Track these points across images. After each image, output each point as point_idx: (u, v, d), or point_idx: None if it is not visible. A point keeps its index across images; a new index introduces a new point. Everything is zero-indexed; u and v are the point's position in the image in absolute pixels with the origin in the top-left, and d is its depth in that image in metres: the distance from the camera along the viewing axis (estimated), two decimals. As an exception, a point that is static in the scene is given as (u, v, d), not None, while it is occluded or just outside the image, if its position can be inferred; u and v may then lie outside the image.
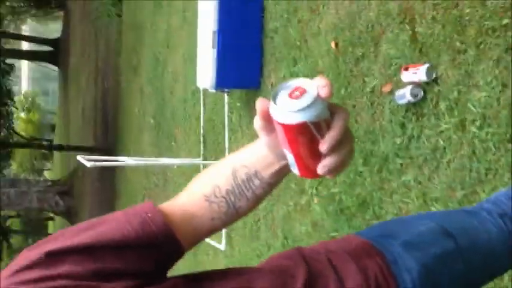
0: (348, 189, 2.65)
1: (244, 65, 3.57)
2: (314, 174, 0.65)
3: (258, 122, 0.67)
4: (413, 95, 2.16)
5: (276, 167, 0.72)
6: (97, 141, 10.26)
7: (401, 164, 2.30)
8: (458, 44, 1.99)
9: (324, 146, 0.62)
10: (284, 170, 0.73)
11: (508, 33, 1.79)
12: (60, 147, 11.79)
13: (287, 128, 0.61)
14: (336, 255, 0.89)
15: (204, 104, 4.47)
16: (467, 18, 1.95)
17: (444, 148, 2.09)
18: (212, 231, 0.78)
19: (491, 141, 1.88)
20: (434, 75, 2.10)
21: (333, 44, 2.70)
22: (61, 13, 23.20)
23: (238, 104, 3.89)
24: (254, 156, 0.73)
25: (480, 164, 1.93)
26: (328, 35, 2.73)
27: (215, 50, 3.49)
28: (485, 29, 1.87)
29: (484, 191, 1.90)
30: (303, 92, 0.60)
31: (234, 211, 0.76)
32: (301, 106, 0.59)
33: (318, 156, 0.63)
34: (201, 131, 4.52)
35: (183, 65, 5.20)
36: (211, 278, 0.78)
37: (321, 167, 0.64)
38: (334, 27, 2.69)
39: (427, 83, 2.13)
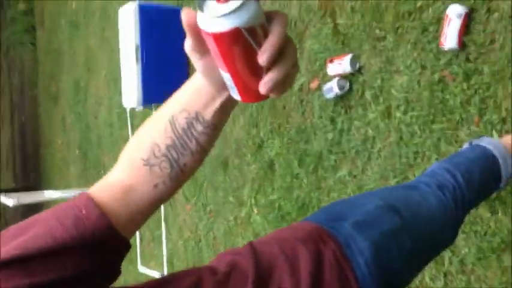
0: (286, 194, 2.71)
1: (170, 77, 3.59)
2: (256, 96, 0.61)
3: (187, 43, 0.60)
4: (340, 87, 2.27)
5: (217, 102, 0.67)
6: (17, 181, 9.88)
7: (335, 160, 2.40)
8: (377, 31, 2.13)
9: (262, 57, 0.56)
10: (227, 105, 0.68)
11: (423, 15, 1.94)
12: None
13: (218, 38, 0.55)
14: (288, 244, 0.88)
15: (131, 125, 4.44)
16: (383, 5, 2.09)
17: (373, 138, 2.20)
18: (156, 202, 0.71)
19: (416, 124, 2.00)
20: (358, 65, 2.22)
21: (257, 45, 2.79)
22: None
23: (167, 121, 3.89)
24: (192, 95, 0.67)
25: (408, 148, 2.05)
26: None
27: (139, 65, 3.51)
28: (402, 13, 2.02)
29: (414, 175, 2.01)
30: None
31: (179, 170, 0.69)
32: (231, 9, 0.53)
33: (258, 72, 0.58)
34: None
35: (106, 87, 5.16)
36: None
37: (263, 84, 0.58)
38: (257, 28, 2.79)
39: (352, 74, 2.25)
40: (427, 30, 1.93)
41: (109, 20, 4.90)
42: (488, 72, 1.73)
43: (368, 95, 2.20)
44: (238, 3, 0.53)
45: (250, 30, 0.54)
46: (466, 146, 1.61)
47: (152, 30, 3.45)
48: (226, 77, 0.61)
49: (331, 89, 2.31)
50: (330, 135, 2.40)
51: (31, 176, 8.98)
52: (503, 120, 1.71)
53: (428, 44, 1.92)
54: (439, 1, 1.87)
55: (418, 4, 1.95)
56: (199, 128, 0.68)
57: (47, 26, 7.49)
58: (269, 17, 0.57)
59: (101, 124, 5.37)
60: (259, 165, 2.90)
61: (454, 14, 1.76)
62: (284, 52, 0.58)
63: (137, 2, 3.43)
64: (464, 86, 1.80)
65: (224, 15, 0.53)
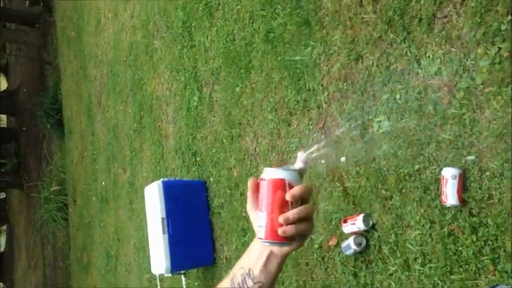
0: None
1: (196, 244, 3.66)
2: (275, 237, 0.81)
3: (249, 201, 0.86)
4: (357, 244, 2.31)
5: (263, 257, 0.84)
6: None
7: (363, 314, 2.35)
8: (384, 192, 2.23)
9: (287, 215, 0.81)
10: (270, 263, 0.84)
11: (422, 176, 2.05)
12: None
13: (270, 183, 0.82)
14: None
15: (161, 291, 4.38)
16: (385, 169, 2.22)
17: (397, 289, 2.18)
18: None
19: (435, 275, 2.00)
20: (371, 223, 2.28)
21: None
22: (4, 227, 22.71)
23: (196, 283, 3.86)
24: (247, 254, 0.86)
25: (433, 298, 2.02)
26: (270, 203, 2.93)
27: (166, 236, 3.58)
28: (403, 175, 2.13)
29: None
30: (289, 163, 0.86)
31: None
32: (283, 168, 0.83)
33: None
34: (162, 320, 4.36)
35: (135, 254, 5.18)
36: None
37: (281, 230, 0.80)
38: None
39: (367, 231, 2.30)
40: (428, 189, 2.02)
41: (136, 193, 5.09)
42: (492, 224, 1.78)
43: (385, 249, 2.23)
44: (289, 167, 0.84)
45: (290, 186, 0.82)
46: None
47: (177, 203, 3.58)
48: (262, 216, 0.83)
49: (349, 247, 2.34)
50: (354, 290, 2.38)
51: None
52: (517, 268, 1.72)
53: (432, 201, 2.00)
54: (434, 164, 1.99)
55: (416, 167, 2.07)
56: (250, 283, 0.84)
57: (78, 203, 7.72)
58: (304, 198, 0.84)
59: (131, 291, 5.30)
60: (290, 323, 2.82)
61: (449, 176, 1.86)
62: (305, 218, 0.82)
63: (161, 180, 3.61)
64: (474, 238, 1.84)
65: (279, 170, 0.83)
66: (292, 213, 0.81)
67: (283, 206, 0.81)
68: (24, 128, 12.07)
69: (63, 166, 8.67)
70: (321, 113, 2.60)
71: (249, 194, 0.85)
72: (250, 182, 0.85)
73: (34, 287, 12.00)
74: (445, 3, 1.96)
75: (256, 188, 0.84)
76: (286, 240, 0.82)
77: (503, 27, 1.75)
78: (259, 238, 0.84)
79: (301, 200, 0.82)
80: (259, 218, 0.83)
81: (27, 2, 10.47)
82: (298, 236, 0.82)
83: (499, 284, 1.61)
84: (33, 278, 12.21)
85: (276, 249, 0.84)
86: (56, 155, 9.43)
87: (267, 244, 0.84)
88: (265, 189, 0.83)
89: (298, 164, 0.85)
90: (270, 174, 0.83)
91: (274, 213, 0.82)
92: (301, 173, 0.85)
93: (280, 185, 0.81)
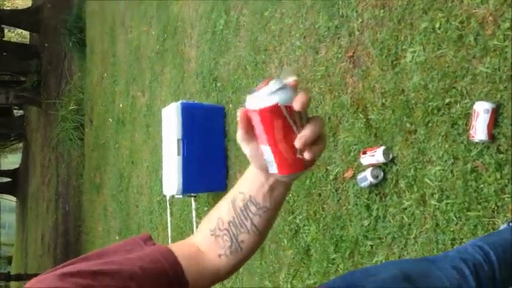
0: (322, 279, 2.64)
1: (209, 169, 3.66)
2: (290, 167, 0.70)
3: (239, 133, 0.72)
4: (374, 176, 2.27)
5: (266, 186, 0.76)
6: (58, 264, 9.84)
7: (371, 246, 2.34)
8: (408, 125, 2.16)
9: (300, 136, 0.67)
10: (274, 188, 0.76)
11: (452, 110, 1.97)
12: (18, 277, 11.16)
13: (262, 113, 0.67)
14: None
15: (171, 212, 4.45)
16: (413, 101, 2.14)
17: (409, 224, 2.16)
18: (216, 276, 0.80)
19: (451, 211, 1.97)
20: (391, 156, 2.24)
21: (294, 139, 2.84)
22: (20, 144, 23.20)
23: (205, 209, 3.91)
24: (247, 181, 0.78)
25: (445, 235, 2.00)
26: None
27: (180, 157, 3.58)
28: (431, 109, 2.05)
29: (453, 261, 1.95)
30: (273, 79, 0.67)
31: (238, 246, 0.79)
32: (271, 90, 0.66)
33: (292, 145, 0.68)
34: (169, 240, 4.45)
35: (148, 177, 5.24)
36: None
37: (298, 138, 0.67)
38: (293, 123, 2.86)
39: (385, 164, 2.26)
40: (456, 123, 1.95)
41: (154, 117, 5.09)
42: (520, 162, 1.72)
43: (402, 183, 2.19)
44: (278, 86, 0.66)
45: (288, 108, 0.67)
46: (504, 226, 1.57)
47: (194, 126, 3.56)
48: (266, 150, 0.70)
49: (365, 178, 2.31)
50: (365, 222, 2.37)
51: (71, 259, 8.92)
52: (539, 208, 1.68)
53: (458, 136, 1.94)
54: (466, 98, 1.91)
55: (446, 101, 1.99)
56: (253, 209, 0.77)
57: (95, 124, 7.78)
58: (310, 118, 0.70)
59: (141, 212, 5.40)
60: (296, 250, 2.84)
61: (482, 110, 1.79)
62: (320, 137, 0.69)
63: (180, 102, 3.57)
64: (497, 175, 1.79)
65: (267, 94, 0.66)
66: (306, 137, 0.68)
67: (287, 133, 0.68)
68: (46, 45, 12.02)
69: (82, 86, 8.68)
70: (352, 41, 2.50)
71: (241, 128, 0.72)
72: (240, 114, 0.70)
73: (46, 203, 12.36)
74: None
75: (249, 120, 0.70)
76: (303, 168, 0.71)
77: None
78: (273, 173, 0.73)
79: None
80: (264, 152, 0.71)
81: None
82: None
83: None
84: (46, 194, 12.56)
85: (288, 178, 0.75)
86: (76, 75, 9.42)
87: (285, 178, 0.73)
88: (259, 122, 0.69)
89: (286, 77, 0.69)
90: (260, 102, 0.67)
91: (281, 145, 0.69)
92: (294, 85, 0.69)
93: (277, 112, 0.67)
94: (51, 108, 10.56)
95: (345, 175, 2.51)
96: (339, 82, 2.57)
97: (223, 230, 0.79)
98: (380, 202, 2.30)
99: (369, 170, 2.29)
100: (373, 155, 2.28)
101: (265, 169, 0.74)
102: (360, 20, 2.45)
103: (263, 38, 3.24)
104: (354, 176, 2.44)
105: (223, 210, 0.79)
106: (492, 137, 1.80)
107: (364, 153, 2.33)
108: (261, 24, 3.26)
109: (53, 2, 11.63)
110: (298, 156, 0.69)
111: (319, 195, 2.68)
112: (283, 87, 0.67)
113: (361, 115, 2.42)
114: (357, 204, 2.43)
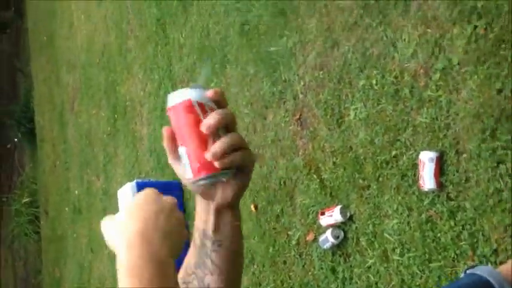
0: None
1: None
2: (204, 167, 0.68)
3: (168, 155, 0.72)
4: (335, 237, 2.28)
5: (211, 212, 0.73)
6: None
7: (342, 311, 2.31)
8: (361, 181, 2.21)
9: (205, 122, 0.67)
10: (222, 216, 0.74)
11: (400, 162, 2.04)
12: None
13: (176, 110, 0.69)
14: None
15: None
16: (362, 157, 2.20)
17: (376, 283, 2.15)
18: None
19: (414, 265, 1.99)
20: (348, 214, 2.26)
21: (252, 207, 2.85)
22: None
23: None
24: (197, 214, 0.76)
25: (412, 289, 2.00)
26: (247, 200, 2.90)
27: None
28: (380, 163, 2.12)
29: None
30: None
31: None
32: (184, 89, 0.70)
33: (207, 144, 0.68)
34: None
35: (110, 264, 5.08)
36: None
37: (209, 153, 0.67)
38: (250, 191, 2.88)
39: (344, 223, 2.28)
40: (405, 175, 2.01)
41: (110, 200, 5.01)
42: (470, 207, 1.77)
43: (363, 241, 2.20)
44: (190, 86, 0.70)
45: (200, 104, 0.68)
46: (462, 275, 1.59)
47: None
48: (182, 151, 0.70)
49: (326, 240, 2.31)
50: (333, 286, 2.35)
51: None
52: (496, 252, 1.71)
53: (409, 188, 1.99)
54: (411, 149, 1.98)
55: (393, 153, 2.06)
56: (208, 244, 0.74)
57: (50, 215, 7.58)
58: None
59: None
60: (268, 326, 2.77)
61: (426, 159, 1.86)
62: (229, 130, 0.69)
63: (135, 181, 3.55)
64: (452, 223, 1.83)
65: (180, 92, 0.69)
66: (218, 146, 0.67)
67: (200, 130, 0.68)
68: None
69: (35, 177, 8.52)
70: (297, 104, 2.58)
71: (166, 145, 0.72)
72: (164, 132, 0.71)
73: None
74: (420, -16, 1.97)
75: (173, 135, 0.71)
76: (217, 170, 0.68)
77: (479, 4, 1.76)
78: (189, 180, 0.71)
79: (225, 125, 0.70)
80: (181, 156, 0.70)
81: (-3, 8, 10.38)
82: (235, 166, 0.70)
83: (477, 265, 1.60)
84: (3, 297, 11.91)
85: (219, 196, 0.73)
86: (27, 166, 9.27)
87: (202, 182, 0.70)
88: (174, 120, 0.70)
89: (202, 78, 0.75)
90: (173, 99, 0.70)
91: (193, 142, 0.68)
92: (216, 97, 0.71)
93: (189, 108, 0.68)
94: (3, 203, 10.26)
95: (307, 238, 2.51)
96: (289, 145, 2.63)
97: (192, 275, 0.75)
98: (344, 263, 2.30)
99: (329, 230, 2.30)
100: (331, 215, 2.30)
101: (204, 192, 0.73)
102: (302, 83, 2.56)
103: (211, 109, 3.31)
104: (315, 239, 2.44)
105: (190, 252, 0.76)
106: (441, 185, 1.86)
107: (322, 214, 2.35)
108: (208, 96, 3.34)
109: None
110: None
111: (284, 262, 2.66)
112: (197, 86, 0.70)
113: (314, 176, 2.46)
114: (322, 268, 2.41)
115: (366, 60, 2.19)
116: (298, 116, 2.58)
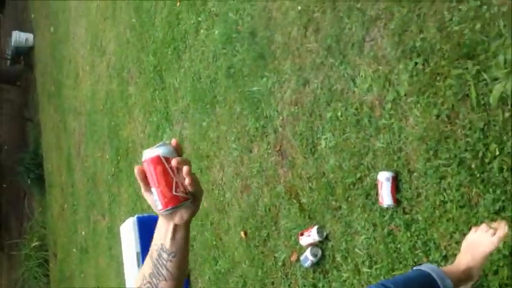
0: None
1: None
2: (170, 202, 0.95)
3: (141, 188, 0.97)
4: (314, 255, 2.51)
5: (170, 230, 0.97)
6: None
7: (324, 324, 2.52)
8: (333, 203, 2.46)
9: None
10: (177, 233, 0.97)
11: (364, 183, 2.29)
12: None
13: (150, 161, 0.96)
14: None
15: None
16: (333, 181, 2.46)
17: (352, 295, 2.37)
18: None
19: (381, 275, 2.21)
20: (325, 234, 2.50)
21: (242, 234, 3.09)
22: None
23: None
24: (157, 231, 0.98)
25: (382, 298, 2.22)
26: (237, 227, 3.14)
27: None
28: (348, 185, 2.37)
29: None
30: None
31: None
32: (155, 146, 0.97)
33: (171, 186, 0.96)
34: None
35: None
36: None
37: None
38: (240, 219, 3.13)
39: (321, 242, 2.52)
40: (369, 194, 2.27)
41: (115, 238, 5.24)
42: (422, 219, 2.02)
43: (338, 257, 2.43)
44: (159, 144, 0.98)
45: (166, 158, 0.96)
46: (409, 271, 1.81)
47: (151, 238, 3.75)
48: (154, 191, 0.96)
49: (306, 258, 2.54)
50: (315, 301, 2.56)
51: None
52: (445, 258, 1.94)
53: (373, 205, 2.24)
54: (372, 171, 2.24)
55: (358, 176, 2.32)
56: (165, 256, 0.97)
57: (59, 257, 7.79)
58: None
59: None
60: None
61: (384, 179, 2.12)
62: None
63: (136, 216, 3.81)
64: (408, 234, 2.07)
65: (152, 148, 0.97)
66: (189, 178, 0.95)
67: (166, 176, 0.95)
68: (4, 185, 12.16)
69: (44, 221, 8.77)
70: (278, 137, 2.86)
71: (140, 181, 0.97)
72: (136, 170, 0.96)
73: None
74: (371, 27, 2.28)
75: (144, 173, 0.96)
76: (180, 201, 0.96)
77: (417, 44, 2.06)
78: (160, 210, 0.96)
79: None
80: (154, 194, 0.96)
81: (8, 61, 10.89)
82: (190, 194, 0.96)
83: (422, 263, 1.82)
84: None
85: (177, 217, 0.97)
86: (36, 211, 9.53)
87: (169, 211, 0.96)
88: (147, 169, 0.96)
89: (168, 140, 1.02)
90: (147, 155, 0.97)
91: (162, 185, 0.95)
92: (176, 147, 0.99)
93: (157, 161, 0.95)
94: (13, 248, 10.46)
95: (291, 259, 2.74)
96: (272, 174, 2.89)
97: (146, 284, 0.95)
98: (324, 279, 2.52)
99: (308, 250, 2.53)
100: (309, 235, 2.54)
101: (167, 216, 0.97)
102: (281, 118, 2.84)
103: (204, 145, 3.59)
104: (298, 259, 2.67)
105: (145, 265, 0.97)
106: (397, 201, 2.11)
107: (302, 234, 2.59)
108: (201, 134, 3.64)
109: (9, 143, 12.00)
110: (174, 193, 0.95)
111: (272, 283, 2.88)
112: (164, 144, 0.97)
113: (294, 201, 2.71)
114: (305, 286, 2.63)
115: (331, 95, 2.48)
116: (278, 148, 2.85)
